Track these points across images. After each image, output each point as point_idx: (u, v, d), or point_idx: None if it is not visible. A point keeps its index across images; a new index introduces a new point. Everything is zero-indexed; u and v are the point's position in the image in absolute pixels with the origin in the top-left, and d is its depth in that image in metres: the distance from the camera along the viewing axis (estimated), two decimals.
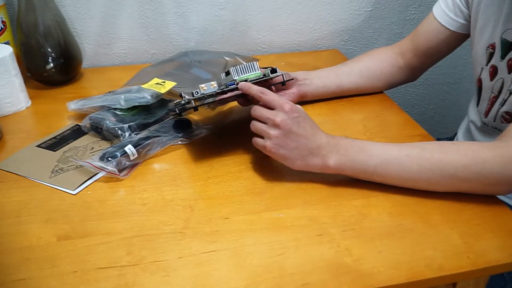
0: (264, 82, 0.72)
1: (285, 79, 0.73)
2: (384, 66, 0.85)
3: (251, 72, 0.68)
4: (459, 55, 1.25)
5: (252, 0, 1.03)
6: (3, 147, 0.71)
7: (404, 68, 0.86)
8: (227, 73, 0.69)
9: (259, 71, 0.69)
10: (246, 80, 0.67)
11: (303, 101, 0.82)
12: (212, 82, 0.65)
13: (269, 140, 0.60)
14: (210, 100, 0.64)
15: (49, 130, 0.74)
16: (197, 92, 0.64)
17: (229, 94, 0.66)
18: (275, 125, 0.59)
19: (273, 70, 0.72)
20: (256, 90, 0.63)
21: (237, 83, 0.66)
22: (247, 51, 1.09)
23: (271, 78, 0.71)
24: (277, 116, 0.59)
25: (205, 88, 0.65)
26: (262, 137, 0.62)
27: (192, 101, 0.63)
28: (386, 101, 0.86)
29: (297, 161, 0.60)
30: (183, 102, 0.64)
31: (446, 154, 0.57)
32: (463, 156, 0.56)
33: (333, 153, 0.59)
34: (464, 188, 0.58)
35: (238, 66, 0.68)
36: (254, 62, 0.69)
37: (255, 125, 0.62)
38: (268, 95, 0.62)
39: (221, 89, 0.65)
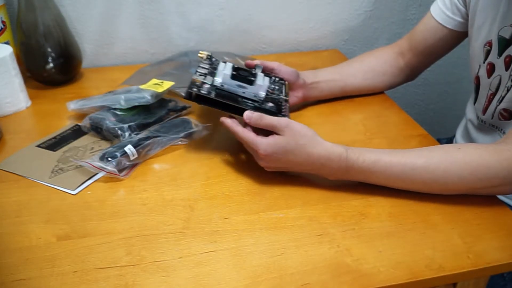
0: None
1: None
2: (386, 68, 0.86)
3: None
4: (459, 54, 1.25)
5: (252, 0, 1.03)
6: (3, 147, 0.71)
7: (404, 68, 0.86)
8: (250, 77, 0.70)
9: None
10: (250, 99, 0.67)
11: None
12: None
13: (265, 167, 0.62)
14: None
15: (49, 130, 0.74)
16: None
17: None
18: (262, 165, 0.62)
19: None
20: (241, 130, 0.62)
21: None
22: (247, 51, 1.09)
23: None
24: (258, 161, 0.62)
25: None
26: None
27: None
28: (386, 101, 0.86)
29: (298, 171, 0.62)
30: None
31: (452, 163, 0.57)
32: (469, 163, 0.56)
33: (332, 173, 0.60)
34: (469, 192, 0.59)
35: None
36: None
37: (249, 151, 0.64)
38: (246, 140, 0.60)
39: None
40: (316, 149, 0.58)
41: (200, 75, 0.68)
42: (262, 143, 0.58)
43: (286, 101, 0.70)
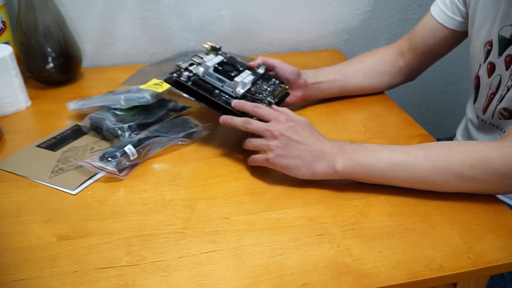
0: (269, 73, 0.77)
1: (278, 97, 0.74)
2: (386, 68, 0.86)
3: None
4: (459, 54, 1.25)
5: (252, 0, 1.03)
6: (3, 147, 0.71)
7: (404, 68, 0.86)
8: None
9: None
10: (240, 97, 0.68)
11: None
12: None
13: (271, 152, 0.60)
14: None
15: (49, 130, 0.74)
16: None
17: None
18: (274, 136, 0.60)
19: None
20: (250, 106, 0.65)
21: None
22: (247, 51, 1.09)
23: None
24: (274, 127, 0.60)
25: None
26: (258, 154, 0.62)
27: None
28: (386, 101, 0.86)
29: (302, 168, 0.60)
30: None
31: (453, 155, 0.57)
32: (469, 156, 0.56)
33: (338, 157, 0.59)
34: (469, 189, 0.58)
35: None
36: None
37: (252, 142, 0.63)
38: (262, 109, 0.64)
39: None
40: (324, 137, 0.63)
41: (192, 63, 0.69)
42: (286, 109, 0.64)
43: (271, 104, 0.70)
